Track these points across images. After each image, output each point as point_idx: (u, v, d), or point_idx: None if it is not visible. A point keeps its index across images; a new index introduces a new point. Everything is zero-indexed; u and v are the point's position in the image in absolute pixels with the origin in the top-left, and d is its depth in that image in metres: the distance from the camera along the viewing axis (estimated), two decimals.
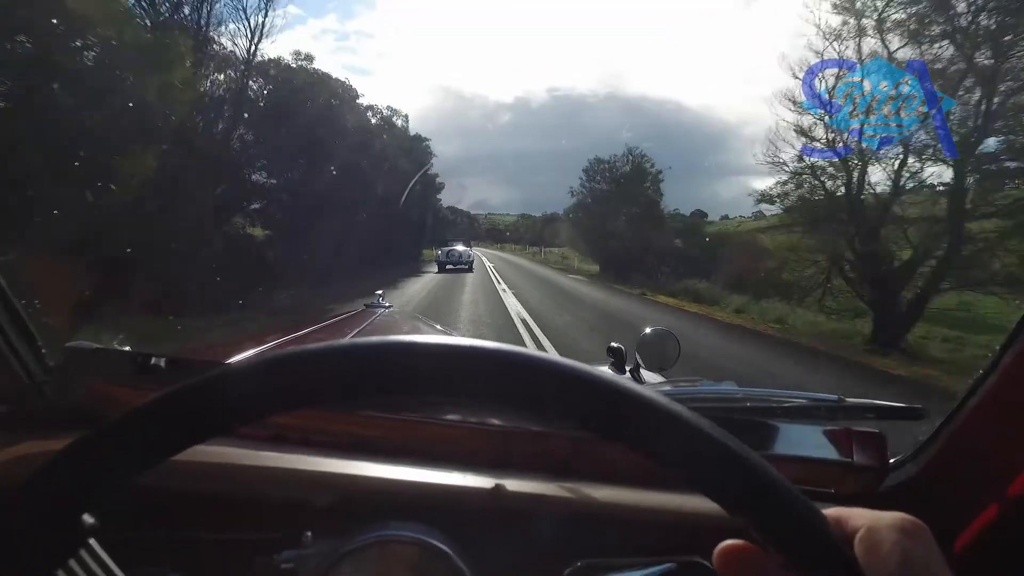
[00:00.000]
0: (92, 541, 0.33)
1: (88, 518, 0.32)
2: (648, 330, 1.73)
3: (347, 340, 0.31)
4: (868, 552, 0.26)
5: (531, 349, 0.31)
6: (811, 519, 0.27)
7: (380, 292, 2.31)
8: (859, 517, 0.27)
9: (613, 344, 1.77)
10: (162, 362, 0.73)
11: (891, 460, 0.71)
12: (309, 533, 0.59)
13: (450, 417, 0.70)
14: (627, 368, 1.63)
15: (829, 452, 0.70)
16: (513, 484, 0.64)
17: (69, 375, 0.71)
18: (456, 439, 0.70)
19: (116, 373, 0.72)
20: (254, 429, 0.70)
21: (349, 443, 0.69)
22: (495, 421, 0.70)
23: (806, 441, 0.71)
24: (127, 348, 0.87)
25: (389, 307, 2.21)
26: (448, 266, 20.37)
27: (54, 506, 0.30)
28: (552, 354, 0.31)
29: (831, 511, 0.28)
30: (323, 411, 0.70)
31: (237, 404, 0.31)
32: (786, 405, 0.78)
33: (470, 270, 19.94)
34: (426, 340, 0.31)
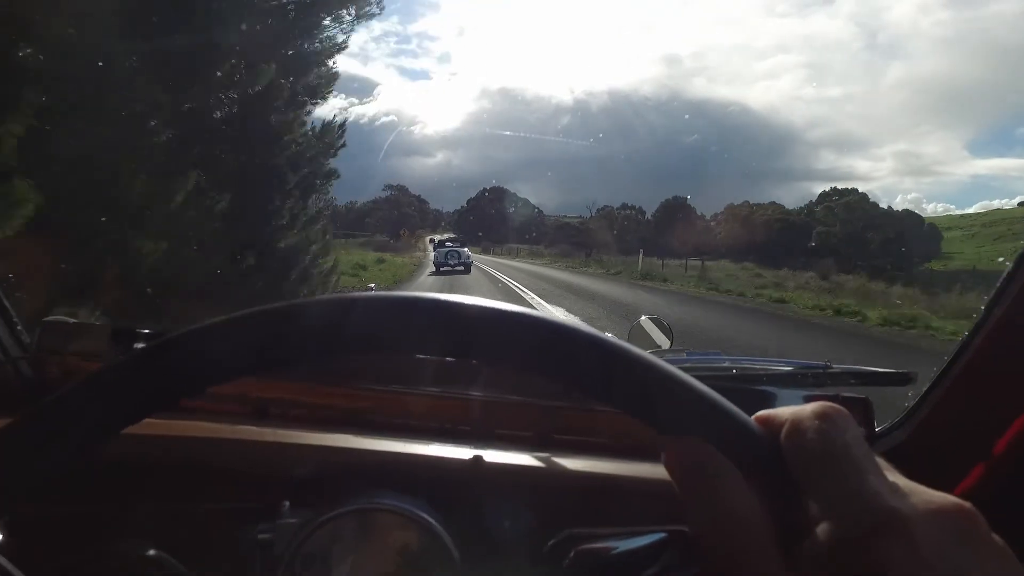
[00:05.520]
0: None
1: None
2: (642, 318, 1.74)
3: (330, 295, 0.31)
4: (793, 441, 0.28)
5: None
6: (734, 420, 0.28)
7: (372, 285, 2.31)
8: (784, 413, 0.29)
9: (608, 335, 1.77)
10: (142, 336, 0.73)
11: (881, 427, 0.70)
12: (287, 503, 0.58)
13: (430, 388, 0.70)
14: None
15: None
16: (493, 455, 0.63)
17: (46, 351, 0.70)
18: (436, 410, 0.69)
19: (94, 348, 0.71)
20: (236, 405, 0.70)
21: (328, 416, 0.68)
22: (475, 391, 0.69)
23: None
24: (105, 323, 0.86)
25: None
26: (444, 267, 20.85)
27: None
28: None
29: (759, 414, 0.30)
30: (302, 383, 0.69)
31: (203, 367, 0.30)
32: (772, 372, 0.77)
33: (467, 271, 20.25)
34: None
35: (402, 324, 0.30)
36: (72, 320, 0.73)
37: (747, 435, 0.28)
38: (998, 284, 0.58)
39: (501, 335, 0.30)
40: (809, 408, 0.28)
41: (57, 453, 0.29)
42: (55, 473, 0.29)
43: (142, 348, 0.30)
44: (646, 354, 0.29)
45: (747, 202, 43.04)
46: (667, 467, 0.30)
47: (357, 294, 0.31)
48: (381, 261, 23.67)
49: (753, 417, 0.29)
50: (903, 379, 0.73)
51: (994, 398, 0.60)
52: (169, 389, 0.30)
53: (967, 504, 0.25)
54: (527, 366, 0.30)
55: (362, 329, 0.30)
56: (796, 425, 0.28)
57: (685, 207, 45.74)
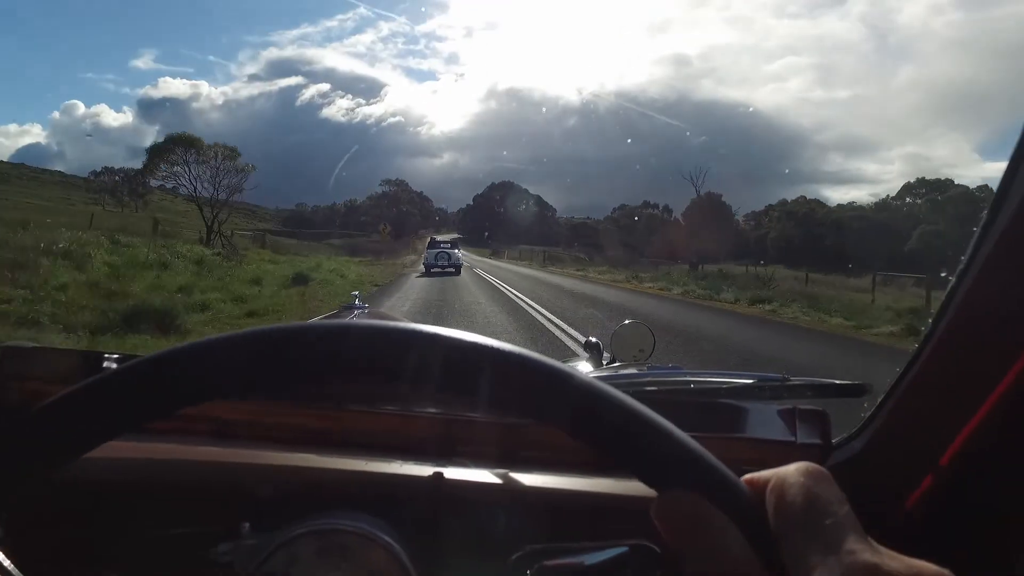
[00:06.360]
0: None
1: None
2: (626, 322, 1.75)
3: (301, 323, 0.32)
4: (778, 497, 0.30)
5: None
6: (725, 477, 0.31)
7: (356, 292, 2.32)
8: (769, 473, 0.31)
9: (592, 339, 1.79)
10: (110, 359, 0.72)
11: (838, 438, 0.71)
12: (247, 524, 0.58)
13: (391, 406, 0.70)
14: (603, 362, 1.64)
15: (773, 432, 0.70)
16: (455, 472, 0.64)
17: (5, 376, 0.70)
18: (399, 428, 0.70)
19: (55, 373, 0.71)
20: (198, 424, 0.70)
21: (290, 436, 0.68)
22: (437, 409, 0.70)
23: (750, 421, 0.71)
24: (69, 347, 0.86)
25: (366, 308, 2.21)
26: (435, 269, 20.58)
27: None
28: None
29: (747, 476, 0.32)
30: (263, 403, 0.69)
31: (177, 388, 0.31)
32: (730, 386, 0.79)
33: (457, 273, 20.13)
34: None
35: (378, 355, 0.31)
36: (32, 345, 0.73)
37: (738, 491, 0.31)
38: (943, 299, 0.59)
39: (493, 378, 0.31)
40: (792, 467, 0.31)
41: (17, 476, 0.29)
42: (14, 496, 0.29)
43: (111, 371, 0.30)
44: (647, 410, 0.31)
45: (803, 197, 38.46)
46: (657, 516, 0.31)
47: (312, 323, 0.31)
48: (300, 281, 14.53)
49: (742, 479, 0.32)
50: (858, 391, 0.74)
51: (942, 409, 0.61)
52: (135, 412, 0.30)
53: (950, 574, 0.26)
54: (524, 413, 0.31)
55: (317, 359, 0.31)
56: (780, 481, 0.30)
57: (721, 205, 39.57)
